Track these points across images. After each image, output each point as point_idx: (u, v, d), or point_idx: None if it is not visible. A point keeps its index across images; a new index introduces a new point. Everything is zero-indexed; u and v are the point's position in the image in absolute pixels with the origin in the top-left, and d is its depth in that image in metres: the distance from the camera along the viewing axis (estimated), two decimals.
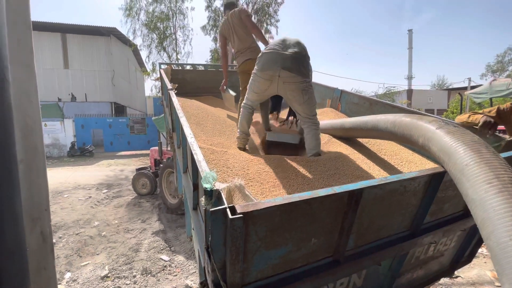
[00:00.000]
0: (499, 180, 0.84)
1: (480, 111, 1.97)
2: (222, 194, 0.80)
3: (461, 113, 7.94)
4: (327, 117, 2.91)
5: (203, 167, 0.96)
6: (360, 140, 2.30)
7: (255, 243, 0.83)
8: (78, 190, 7.27)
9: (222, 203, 0.77)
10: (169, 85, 2.46)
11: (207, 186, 0.80)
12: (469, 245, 1.82)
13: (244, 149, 2.08)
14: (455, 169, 1.00)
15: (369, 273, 1.32)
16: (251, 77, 2.06)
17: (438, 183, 1.19)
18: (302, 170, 1.60)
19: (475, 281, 2.78)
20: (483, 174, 0.88)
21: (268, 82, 1.94)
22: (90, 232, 4.60)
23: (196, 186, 1.23)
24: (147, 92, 26.04)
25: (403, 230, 1.29)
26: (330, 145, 2.12)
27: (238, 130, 2.17)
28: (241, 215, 0.70)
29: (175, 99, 2.00)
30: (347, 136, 2.22)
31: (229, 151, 1.89)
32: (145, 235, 4.48)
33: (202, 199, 0.81)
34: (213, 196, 0.80)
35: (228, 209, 0.71)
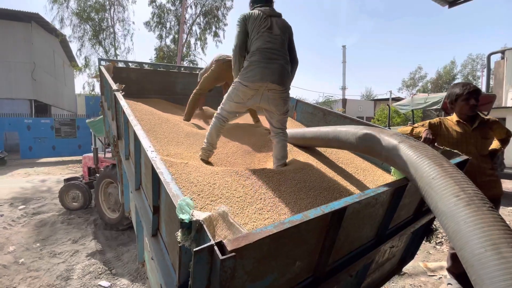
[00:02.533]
0: (465, 193, 0.92)
1: (417, 125, 2.24)
2: (204, 225, 0.67)
3: (388, 121, 9.12)
4: None
5: (174, 191, 0.80)
6: (317, 148, 2.37)
7: (241, 278, 0.72)
8: None
9: (205, 238, 0.64)
10: (114, 85, 2.13)
11: (184, 217, 0.66)
12: (414, 244, 2.03)
13: (206, 162, 1.93)
14: (422, 182, 1.06)
15: (342, 284, 1.32)
16: (233, 87, 1.92)
17: (402, 194, 1.26)
18: (271, 183, 1.53)
19: (412, 273, 3.14)
20: (450, 188, 0.95)
21: (253, 91, 1.87)
22: (3, 260, 3.71)
23: (156, 209, 1.05)
24: (78, 90, 22.93)
25: (370, 239, 1.34)
26: (292, 154, 2.12)
27: (205, 141, 1.98)
28: (233, 253, 0.59)
29: (123, 102, 1.72)
30: (308, 145, 2.26)
31: (190, 162, 1.71)
32: (77, 258, 3.82)
33: (178, 234, 0.66)
34: (193, 229, 0.66)
35: (215, 247, 0.59)
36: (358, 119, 2.52)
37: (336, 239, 0.99)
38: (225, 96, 2.01)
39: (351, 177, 1.92)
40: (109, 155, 5.23)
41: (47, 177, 9.19)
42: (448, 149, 1.94)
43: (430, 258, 3.50)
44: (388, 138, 1.34)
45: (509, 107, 5.95)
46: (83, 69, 13.89)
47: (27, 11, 14.61)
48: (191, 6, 14.41)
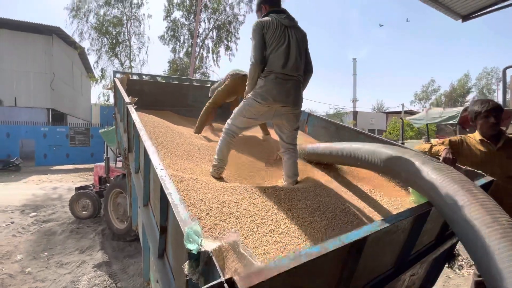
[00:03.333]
0: (499, 224, 0.83)
1: (435, 143, 2.13)
2: (213, 257, 0.61)
3: (401, 135, 8.91)
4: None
5: (183, 215, 0.75)
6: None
7: None
8: None
9: (214, 272, 0.58)
10: (127, 98, 2.15)
11: (192, 248, 0.60)
12: (435, 270, 1.89)
13: (218, 178, 1.88)
14: (448, 209, 0.98)
15: None
16: (245, 103, 1.88)
17: (425, 219, 1.17)
18: (283, 203, 1.47)
19: None
20: (481, 217, 0.87)
21: (267, 108, 1.83)
22: (10, 269, 3.71)
23: (164, 229, 1.00)
24: (94, 100, 23.67)
25: (390, 268, 1.24)
26: (305, 171, 2.05)
27: (216, 157, 1.92)
28: None
29: (135, 116, 1.72)
30: (321, 161, 2.19)
31: (200, 177, 1.67)
32: (84, 269, 3.79)
33: (185, 266, 0.61)
34: (201, 261, 0.61)
35: (226, 285, 0.53)
36: (372, 134, 2.45)
37: (355, 269, 0.91)
38: (235, 111, 1.96)
39: (368, 196, 1.83)
40: (120, 165, 5.27)
41: (59, 184, 9.36)
42: (471, 169, 1.83)
43: (450, 283, 3.28)
44: (409, 158, 1.26)
45: None
46: (99, 80, 14.36)
47: (49, 25, 15.38)
48: (204, 21, 14.85)
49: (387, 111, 35.82)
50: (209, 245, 0.63)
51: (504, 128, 6.22)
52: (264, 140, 3.05)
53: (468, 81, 38.38)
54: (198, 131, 2.97)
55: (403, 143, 6.57)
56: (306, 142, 2.75)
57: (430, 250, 1.49)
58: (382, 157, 1.42)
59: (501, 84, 6.83)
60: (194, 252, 0.61)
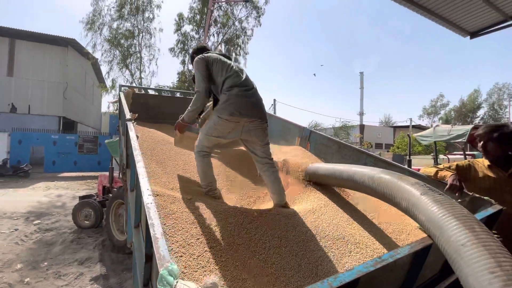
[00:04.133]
0: (502, 269, 0.77)
1: (442, 167, 2.05)
2: None
3: (409, 151, 8.74)
4: (297, 157, 2.85)
5: (162, 251, 0.72)
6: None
7: None
8: (2, 220, 6.05)
9: None
10: (127, 114, 2.17)
11: None
12: None
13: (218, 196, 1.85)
14: (449, 247, 0.92)
15: None
16: (212, 121, 1.85)
17: (426, 254, 1.10)
18: (278, 229, 1.42)
19: None
20: (484, 260, 0.80)
21: (234, 124, 1.81)
22: (9, 278, 3.70)
23: (149, 257, 0.97)
24: (104, 108, 24.24)
25: None
26: (303, 192, 2.00)
27: (203, 183, 1.87)
28: None
29: (133, 134, 1.72)
30: (320, 181, 2.14)
31: (195, 197, 1.64)
32: (81, 282, 3.75)
33: None
34: None
35: None
36: (374, 154, 2.39)
37: None
38: (201, 130, 1.91)
39: (370, 223, 1.75)
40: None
41: (65, 192, 9.46)
42: (478, 196, 1.75)
43: None
44: (409, 188, 1.20)
45: None
46: (110, 90, 14.74)
47: (65, 37, 16.03)
48: (213, 35, 15.23)
49: (395, 125, 35.46)
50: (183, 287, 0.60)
51: None
52: None
53: (478, 96, 37.84)
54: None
55: (410, 160, 6.44)
56: (307, 161, 2.70)
57: (434, 284, 1.41)
58: (382, 184, 1.36)
59: None
60: None
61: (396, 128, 32.94)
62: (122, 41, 14.05)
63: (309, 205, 1.78)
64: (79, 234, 5.43)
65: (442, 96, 40.60)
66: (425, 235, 1.13)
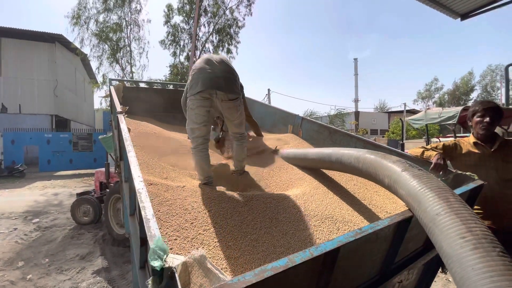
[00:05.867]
0: (472, 234, 0.83)
1: (429, 147, 2.11)
2: (176, 273, 0.62)
3: (402, 135, 8.85)
4: (290, 144, 2.89)
5: (153, 231, 0.76)
6: (322, 170, 2.29)
7: None
8: (0, 221, 6.06)
9: (175, 287, 0.59)
10: (118, 107, 2.18)
11: (155, 264, 0.61)
12: (428, 276, 1.87)
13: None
14: (425, 217, 0.98)
15: None
16: (190, 110, 1.89)
17: (407, 226, 1.17)
18: (269, 211, 1.47)
19: None
20: (456, 227, 0.86)
21: (209, 101, 1.88)
22: (11, 276, 3.76)
23: (144, 241, 1.02)
24: (96, 105, 23.90)
25: (374, 276, 1.23)
26: (294, 177, 2.05)
27: (200, 177, 1.88)
28: None
29: (124, 126, 1.74)
30: (310, 166, 2.19)
31: (188, 185, 1.69)
32: (83, 276, 3.82)
33: (149, 282, 0.62)
34: (164, 277, 0.62)
35: None
36: (363, 138, 2.44)
37: (330, 281, 0.91)
38: (187, 126, 1.96)
39: (359, 203, 1.81)
40: None
41: (62, 190, 9.46)
42: (460, 172, 1.82)
43: (450, 287, 3.25)
44: (391, 165, 1.26)
45: None
46: (101, 86, 14.51)
47: (52, 33, 15.61)
48: (204, 25, 14.96)
49: (389, 110, 35.64)
50: (173, 261, 0.64)
51: (505, 127, 6.12)
52: (260, 143, 3.04)
53: (472, 79, 38.03)
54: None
55: (403, 144, 6.55)
56: (299, 147, 2.75)
57: (418, 256, 1.48)
58: (367, 163, 1.42)
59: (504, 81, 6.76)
60: (158, 268, 0.62)
61: (390, 113, 33.16)
62: (111, 34, 13.73)
63: (299, 188, 1.84)
64: (79, 230, 5.48)
65: (437, 80, 40.71)
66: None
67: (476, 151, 2.06)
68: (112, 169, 5.75)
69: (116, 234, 4.83)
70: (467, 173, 1.76)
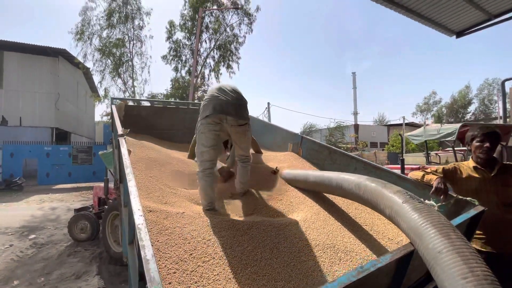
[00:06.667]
0: (474, 275, 0.82)
1: (429, 170, 2.11)
2: None
3: (402, 150, 8.87)
4: (290, 163, 2.89)
5: (152, 273, 0.76)
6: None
7: None
8: None
9: None
10: (119, 130, 2.19)
11: None
12: None
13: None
14: (427, 254, 0.97)
15: None
16: (200, 134, 1.96)
17: (409, 260, 1.15)
18: (269, 240, 1.46)
19: None
20: (458, 267, 0.86)
21: (219, 125, 1.96)
22: None
23: (142, 276, 1.00)
24: (97, 117, 24.06)
25: None
26: (295, 201, 2.04)
27: (204, 203, 1.88)
28: None
29: (124, 150, 1.75)
30: (310, 189, 2.18)
31: (187, 211, 1.67)
32: None
33: None
34: None
35: None
36: (364, 160, 2.44)
37: None
38: (196, 150, 2.02)
39: (361, 229, 1.78)
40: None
41: (60, 204, 9.36)
42: (461, 197, 1.82)
43: None
44: (392, 196, 1.26)
45: None
46: (103, 99, 14.67)
47: (55, 47, 15.94)
48: (205, 41, 15.29)
49: (389, 123, 35.86)
50: None
51: (503, 143, 6.14)
52: (259, 164, 3.04)
53: (469, 92, 38.49)
54: (191, 157, 3.00)
55: (403, 159, 6.54)
56: (299, 167, 2.75)
57: (422, 286, 1.46)
58: (367, 191, 1.41)
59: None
60: None
61: (390, 126, 33.33)
62: (114, 50, 14.00)
63: (300, 214, 1.83)
64: (76, 247, 5.38)
65: (435, 93, 41.23)
66: None
67: (476, 175, 2.06)
68: (111, 185, 5.72)
69: (114, 252, 4.74)
70: (468, 198, 1.76)
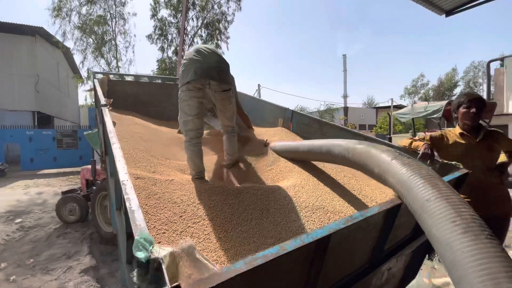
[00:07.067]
0: (462, 218, 0.84)
1: (417, 138, 2.15)
2: (163, 265, 0.59)
3: (390, 129, 9.03)
4: (280, 138, 2.88)
5: (138, 223, 0.73)
6: (313, 162, 2.29)
7: None
8: None
9: (162, 280, 0.56)
10: (102, 100, 2.09)
11: (140, 256, 0.58)
12: (415, 262, 1.91)
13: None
14: (415, 204, 0.99)
15: None
16: (183, 102, 1.85)
17: (396, 213, 1.18)
18: (259, 202, 1.46)
19: None
20: (445, 212, 0.87)
21: (201, 92, 1.84)
22: None
23: (130, 235, 0.98)
24: (81, 101, 23.17)
25: (364, 263, 1.24)
26: (285, 170, 2.04)
27: (192, 172, 1.84)
28: None
29: (108, 119, 1.68)
30: (302, 159, 2.19)
31: (176, 179, 1.65)
32: (71, 275, 3.71)
33: (134, 274, 0.59)
34: (150, 268, 0.59)
35: None
36: (352, 130, 2.45)
37: (322, 269, 0.90)
38: (180, 119, 1.93)
39: (349, 194, 1.82)
40: None
41: (46, 189, 9.16)
42: (446, 161, 1.86)
43: (435, 274, 3.35)
44: (380, 154, 1.26)
45: (510, 114, 5.85)
46: (85, 81, 14.05)
47: (32, 25, 14.92)
48: (192, 19, 14.66)
49: (377, 106, 36.28)
50: (160, 252, 0.61)
51: (487, 120, 6.34)
52: (250, 136, 3.01)
53: (455, 75, 39.14)
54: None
55: (390, 138, 6.68)
56: (289, 140, 2.74)
57: (406, 244, 1.51)
58: (356, 153, 1.42)
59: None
60: (143, 260, 0.59)
61: (378, 109, 33.74)
62: (95, 28, 13.24)
63: (290, 180, 1.83)
64: (65, 229, 5.32)
65: (423, 76, 41.75)
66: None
67: (462, 141, 2.11)
68: (98, 167, 5.60)
69: (104, 232, 4.72)
70: (453, 162, 1.80)
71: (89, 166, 5.81)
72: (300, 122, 3.08)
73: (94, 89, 2.98)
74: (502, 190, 2.07)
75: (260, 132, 3.18)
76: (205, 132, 2.83)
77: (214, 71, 1.84)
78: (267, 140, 2.66)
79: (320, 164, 2.20)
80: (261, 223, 1.30)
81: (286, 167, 2.10)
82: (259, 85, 21.92)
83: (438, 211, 0.88)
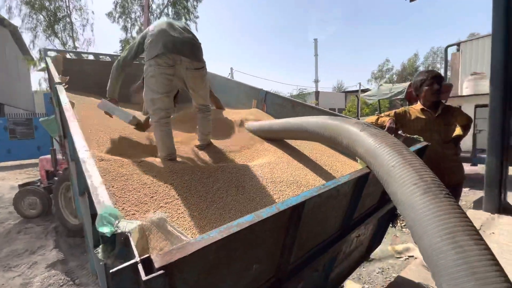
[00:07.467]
0: (423, 180, 0.89)
1: (383, 115, 2.26)
2: (131, 238, 0.56)
3: (357, 111, 9.42)
4: (255, 118, 2.86)
5: (102, 199, 0.68)
6: (286, 141, 2.31)
7: None
8: None
9: (130, 254, 0.53)
10: (56, 78, 1.89)
11: (105, 231, 0.54)
12: (380, 230, 2.06)
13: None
14: (381, 171, 1.03)
15: (307, 279, 1.28)
16: (150, 78, 1.67)
17: (364, 182, 1.23)
18: (234, 180, 1.44)
19: (380, 257, 3.26)
20: (408, 176, 0.92)
21: (172, 69, 1.68)
22: None
23: (95, 217, 0.91)
24: (35, 86, 20.94)
25: (335, 231, 1.30)
26: (259, 149, 2.04)
27: (162, 154, 1.70)
28: (162, 271, 0.49)
29: (63, 96, 1.51)
30: (276, 137, 2.20)
31: (145, 160, 1.57)
32: (36, 271, 3.50)
33: (98, 250, 0.55)
34: (117, 243, 0.55)
35: (140, 265, 0.49)
36: (324, 109, 2.51)
37: (297, 236, 0.92)
38: (145, 96, 1.74)
39: (321, 168, 1.88)
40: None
41: (0, 183, 8.35)
42: (409, 136, 1.98)
43: (397, 241, 3.67)
44: (349, 126, 1.30)
45: (464, 96, 6.39)
46: (38, 63, 12.66)
47: None
48: None
49: (346, 90, 37.56)
50: (127, 226, 0.58)
51: (443, 101, 6.85)
52: (221, 117, 2.94)
53: (417, 60, 41.56)
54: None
55: (358, 119, 6.99)
56: (263, 120, 2.74)
57: (373, 212, 1.61)
58: (327, 128, 1.45)
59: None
60: (108, 234, 0.55)
61: (347, 93, 34.95)
62: (46, 3, 11.82)
63: (265, 158, 1.84)
64: (26, 224, 4.94)
65: (388, 61, 43.75)
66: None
67: (423, 116, 2.26)
68: (59, 156, 5.18)
69: (71, 225, 4.46)
70: (415, 136, 1.92)
71: (49, 156, 5.37)
72: (274, 103, 3.07)
73: (47, 68, 2.68)
74: (456, 160, 2.27)
75: (234, 113, 3.12)
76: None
77: (187, 47, 1.70)
78: (241, 120, 2.63)
79: (294, 143, 2.23)
80: (237, 199, 1.29)
81: (260, 146, 2.10)
82: (231, 69, 21.50)
83: (403, 175, 0.93)
